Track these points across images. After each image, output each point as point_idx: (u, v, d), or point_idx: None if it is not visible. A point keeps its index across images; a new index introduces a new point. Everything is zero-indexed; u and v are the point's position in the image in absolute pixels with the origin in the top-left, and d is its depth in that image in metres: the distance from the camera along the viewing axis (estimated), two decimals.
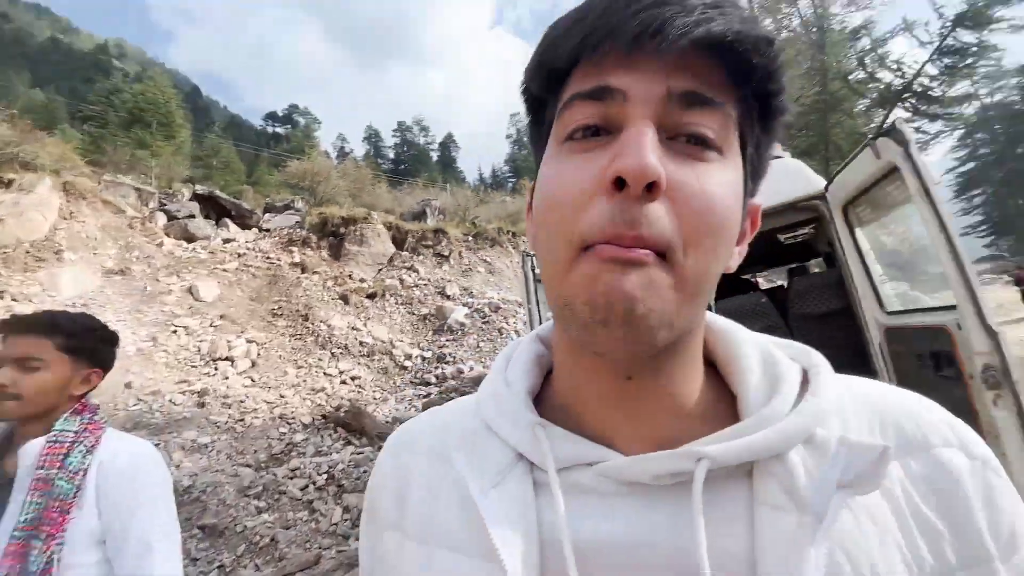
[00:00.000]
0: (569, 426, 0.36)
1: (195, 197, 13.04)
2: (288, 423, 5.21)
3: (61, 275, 7.14)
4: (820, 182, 2.50)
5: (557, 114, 0.34)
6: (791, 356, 0.38)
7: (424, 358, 8.20)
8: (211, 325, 7.24)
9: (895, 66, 17.42)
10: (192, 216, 11.91)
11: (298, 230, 11.74)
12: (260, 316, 8.04)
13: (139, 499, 1.00)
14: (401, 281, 10.64)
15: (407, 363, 7.90)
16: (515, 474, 0.35)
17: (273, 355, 6.98)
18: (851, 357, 2.60)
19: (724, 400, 0.36)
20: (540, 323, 2.62)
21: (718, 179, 0.30)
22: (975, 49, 15.76)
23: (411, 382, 7.49)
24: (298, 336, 7.71)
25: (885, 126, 1.74)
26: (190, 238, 11.14)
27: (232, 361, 6.39)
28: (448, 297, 10.45)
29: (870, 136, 1.84)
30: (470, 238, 13.46)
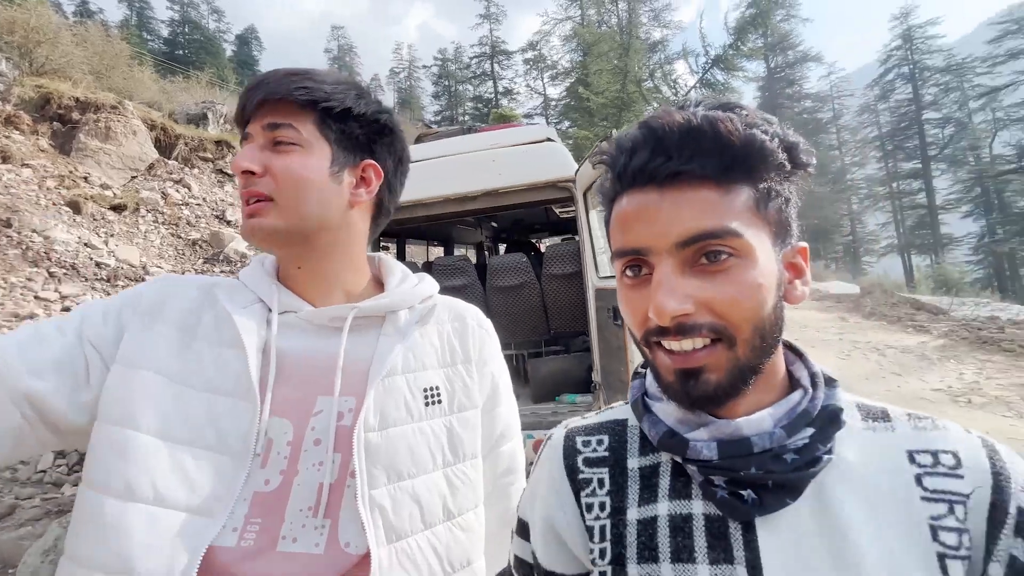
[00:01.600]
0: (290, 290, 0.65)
1: None
2: None
3: None
4: (574, 168, 3.06)
5: (242, 145, 0.63)
6: (416, 274, 0.74)
7: None
8: None
9: (673, 85, 21.23)
10: None
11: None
12: None
13: None
14: (165, 196, 8.79)
15: None
16: (255, 307, 0.62)
17: None
18: (578, 309, 3.33)
19: (379, 291, 0.70)
20: None
21: (298, 161, 0.61)
22: (722, 88, 20.29)
23: None
24: None
25: (607, 135, 2.25)
26: None
27: None
28: (228, 223, 9.10)
29: (603, 137, 2.36)
30: None
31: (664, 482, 0.48)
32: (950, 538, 0.39)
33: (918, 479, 0.42)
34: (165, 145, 10.27)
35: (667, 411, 0.48)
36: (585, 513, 0.50)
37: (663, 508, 0.47)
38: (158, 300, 0.61)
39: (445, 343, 0.69)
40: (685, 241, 0.42)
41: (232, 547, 0.51)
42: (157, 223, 8.15)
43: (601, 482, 0.51)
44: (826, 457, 0.42)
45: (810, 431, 0.43)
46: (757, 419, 0.44)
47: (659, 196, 0.43)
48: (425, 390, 0.64)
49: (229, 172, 10.62)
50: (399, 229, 4.23)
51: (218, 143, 10.97)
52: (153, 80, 14.15)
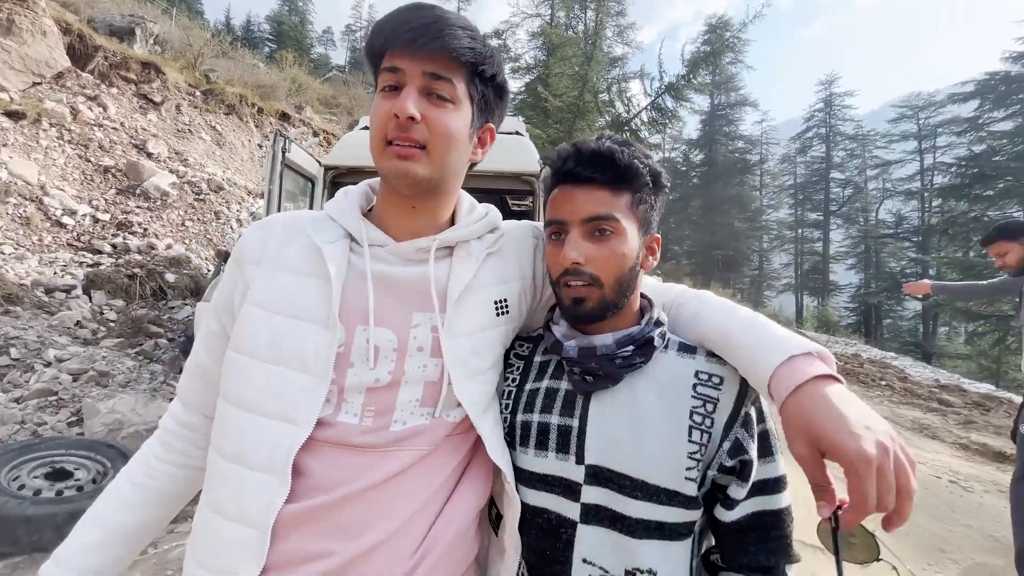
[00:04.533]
0: (376, 225, 0.71)
1: None
2: None
3: None
4: (538, 164, 3.26)
5: (378, 76, 0.66)
6: (483, 206, 0.79)
7: (96, 219, 6.42)
8: None
9: (626, 102, 22.12)
10: None
11: None
12: None
13: None
14: (74, 112, 7.81)
15: (67, 219, 6.04)
16: (341, 241, 0.68)
17: None
18: None
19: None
20: (279, 207, 2.59)
21: (450, 116, 0.64)
22: (670, 113, 21.49)
23: (69, 244, 5.80)
24: None
25: None
26: None
27: None
28: (149, 155, 8.28)
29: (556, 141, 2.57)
30: (198, 93, 10.80)
31: (550, 370, 0.78)
32: (697, 419, 0.67)
33: (694, 387, 0.69)
34: (80, 54, 9.07)
35: (558, 330, 0.76)
36: (503, 383, 0.80)
37: (545, 383, 0.76)
38: (257, 246, 0.69)
39: (510, 262, 0.77)
40: (587, 219, 0.69)
41: (355, 424, 0.63)
42: (62, 140, 7.24)
43: (518, 367, 0.81)
44: (640, 362, 0.70)
45: (631, 348, 0.70)
46: (602, 337, 0.72)
47: (576, 190, 0.70)
48: (496, 302, 0.73)
49: (155, 99, 9.63)
50: None
51: (145, 65, 9.87)
52: None
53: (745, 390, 0.68)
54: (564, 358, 0.73)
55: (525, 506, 0.72)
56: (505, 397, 0.78)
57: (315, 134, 12.86)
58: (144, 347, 4.24)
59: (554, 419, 0.72)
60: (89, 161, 7.29)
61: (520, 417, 0.75)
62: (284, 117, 12.81)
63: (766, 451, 0.69)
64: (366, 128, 3.64)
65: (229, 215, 8.14)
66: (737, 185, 33.20)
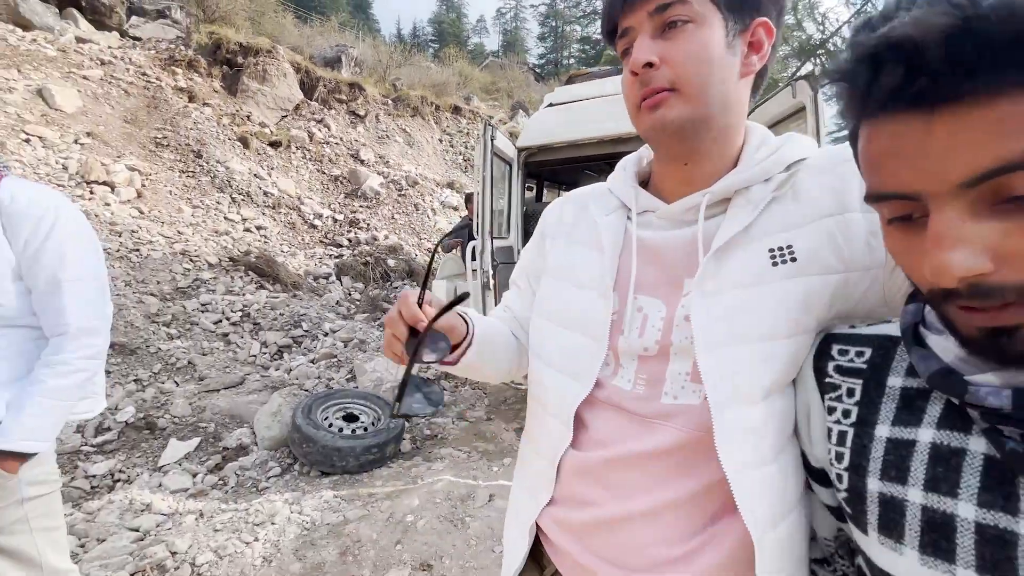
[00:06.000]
0: (652, 192, 0.68)
1: None
2: (192, 260, 4.97)
3: None
4: None
5: (617, 47, 0.61)
6: (781, 137, 0.62)
7: (335, 220, 7.97)
8: (76, 142, 6.17)
9: (820, 19, 18.27)
10: None
11: (182, 48, 9.81)
12: (139, 143, 6.99)
13: (44, 242, 1.05)
14: (310, 135, 9.74)
15: (316, 222, 7.64)
16: (618, 212, 0.70)
17: (162, 189, 6.28)
18: None
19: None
20: (491, 191, 2.85)
21: (695, 40, 0.55)
22: None
23: (320, 241, 7.35)
24: (190, 173, 6.94)
25: (797, 75, 2.14)
26: (24, 25, 8.73)
27: (113, 187, 5.66)
28: (362, 162, 9.91)
29: (792, 77, 2.25)
30: (390, 101, 12.44)
31: (934, 409, 0.40)
32: None
33: None
34: (307, 87, 11.21)
35: (946, 347, 0.39)
36: (827, 413, 0.48)
37: (926, 435, 0.40)
38: (554, 221, 0.78)
39: (808, 201, 0.57)
40: (974, 180, 0.30)
41: (628, 390, 0.62)
42: (305, 159, 9.12)
43: (851, 392, 0.46)
44: None
45: None
46: None
47: (926, 123, 0.31)
48: (771, 250, 0.55)
49: (360, 113, 11.41)
50: (542, 170, 4.38)
51: (351, 86, 11.74)
52: (294, 25, 15.28)
53: None
54: (976, 407, 0.36)
55: None
56: (835, 441, 0.47)
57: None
58: (381, 320, 5.18)
59: (969, 510, 0.37)
60: (324, 173, 9.06)
61: (877, 485, 0.42)
62: (456, 110, 13.97)
63: None
64: (551, 105, 3.75)
65: (425, 206, 9.30)
66: None
